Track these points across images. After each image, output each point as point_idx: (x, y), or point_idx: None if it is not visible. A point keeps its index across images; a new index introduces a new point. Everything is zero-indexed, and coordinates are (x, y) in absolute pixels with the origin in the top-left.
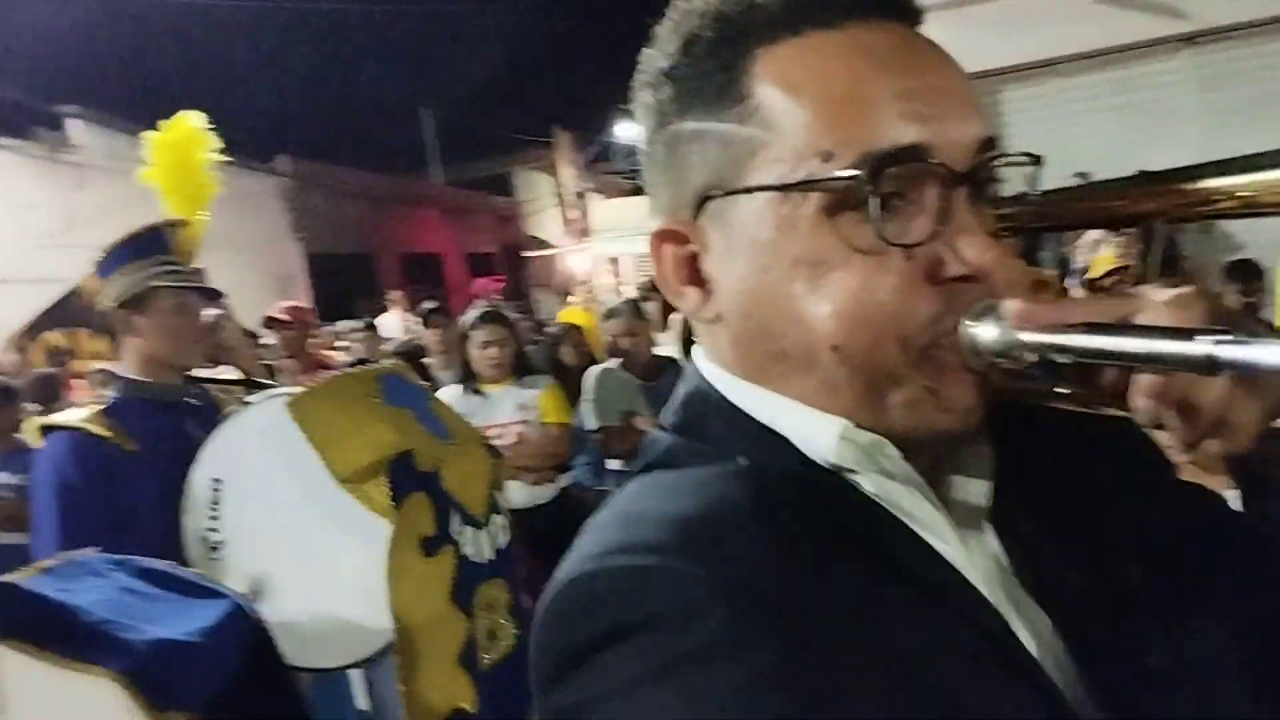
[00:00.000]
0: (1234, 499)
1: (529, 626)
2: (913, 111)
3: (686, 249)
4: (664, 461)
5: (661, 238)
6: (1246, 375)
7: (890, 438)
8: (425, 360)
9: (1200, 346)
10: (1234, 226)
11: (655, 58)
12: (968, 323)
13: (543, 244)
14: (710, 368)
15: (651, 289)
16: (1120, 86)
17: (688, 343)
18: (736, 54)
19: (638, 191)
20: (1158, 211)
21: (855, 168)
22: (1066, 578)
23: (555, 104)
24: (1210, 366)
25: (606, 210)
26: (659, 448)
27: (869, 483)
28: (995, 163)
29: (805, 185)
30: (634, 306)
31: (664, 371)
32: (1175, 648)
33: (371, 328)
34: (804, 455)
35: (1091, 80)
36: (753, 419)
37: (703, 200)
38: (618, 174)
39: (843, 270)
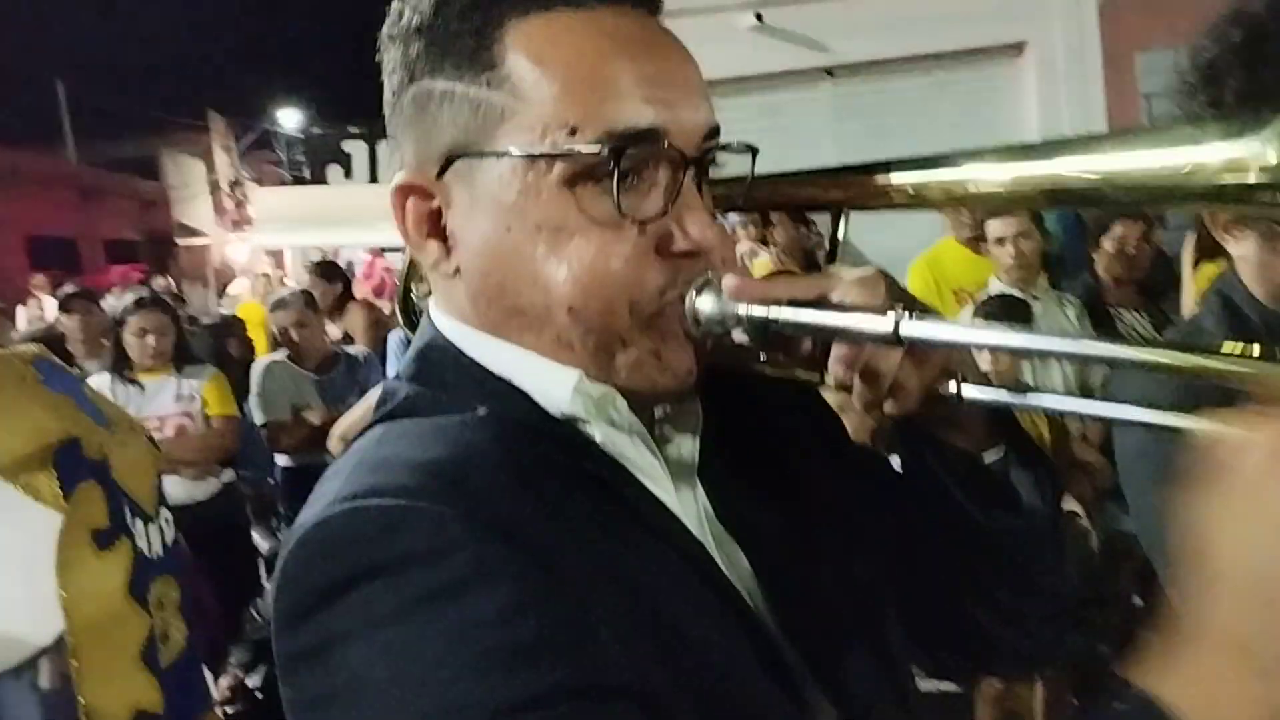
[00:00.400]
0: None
1: (197, 625)
2: (652, 96)
3: (430, 204)
4: (404, 410)
5: (405, 191)
6: (920, 348)
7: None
8: (65, 348)
9: (886, 322)
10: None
11: (407, 14)
12: (690, 294)
13: (194, 232)
14: (446, 321)
15: (321, 278)
16: (766, 111)
17: (405, 305)
18: (490, 22)
19: (301, 181)
20: (844, 200)
21: (598, 144)
22: (760, 523)
23: (209, 86)
24: (893, 339)
25: (268, 200)
26: (397, 398)
27: (597, 432)
28: (719, 150)
29: (550, 156)
30: (304, 297)
31: (337, 364)
32: (845, 583)
33: None
34: (537, 405)
35: (741, 103)
36: (488, 370)
37: (450, 159)
38: (279, 163)
39: (581, 238)
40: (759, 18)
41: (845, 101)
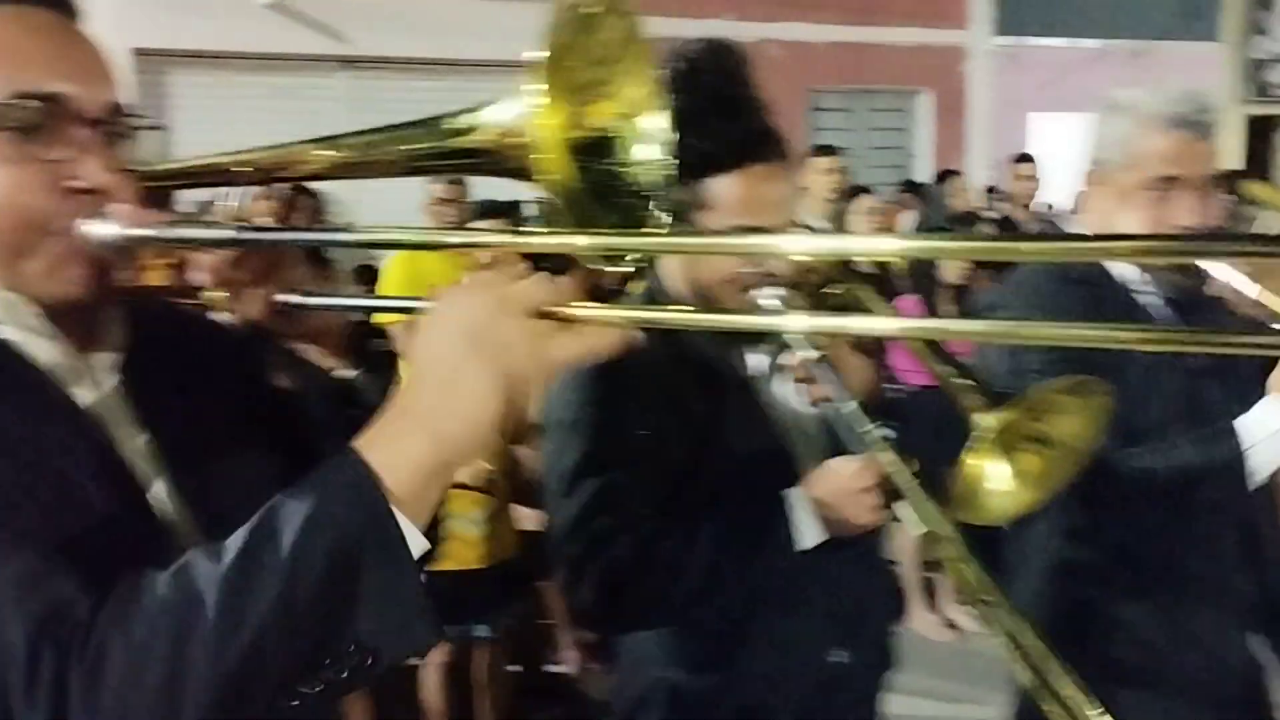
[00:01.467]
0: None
1: None
2: (57, 71)
3: None
4: None
5: None
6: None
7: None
8: None
9: (229, 229)
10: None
11: None
12: (87, 220)
13: None
14: None
15: None
16: (281, 92)
17: None
18: None
19: None
20: (254, 176)
21: (9, 100)
22: (174, 420)
23: None
24: (234, 242)
25: None
26: None
27: (12, 335)
28: (123, 119)
29: None
30: None
31: None
32: (238, 475)
33: None
34: None
35: (256, 81)
36: None
37: None
38: None
39: None
40: None
41: (361, 94)
